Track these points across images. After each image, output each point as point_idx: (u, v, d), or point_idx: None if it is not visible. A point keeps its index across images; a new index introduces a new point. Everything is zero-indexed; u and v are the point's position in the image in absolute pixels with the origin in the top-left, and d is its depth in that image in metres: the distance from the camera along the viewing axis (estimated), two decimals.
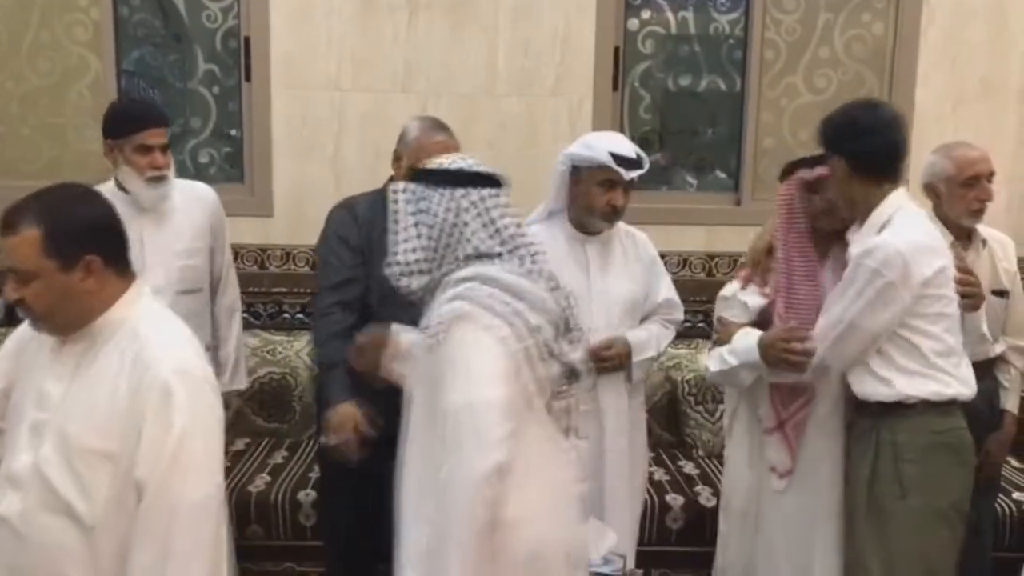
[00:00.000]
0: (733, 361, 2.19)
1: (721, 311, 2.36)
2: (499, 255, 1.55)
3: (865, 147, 2.02)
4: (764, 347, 2.11)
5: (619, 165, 2.24)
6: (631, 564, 2.38)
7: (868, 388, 2.03)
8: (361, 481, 2.35)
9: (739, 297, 2.31)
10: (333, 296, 2.32)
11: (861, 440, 2.07)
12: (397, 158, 2.38)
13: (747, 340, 2.17)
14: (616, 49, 3.46)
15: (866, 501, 2.03)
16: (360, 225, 2.33)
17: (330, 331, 2.29)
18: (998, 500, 2.79)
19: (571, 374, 1.58)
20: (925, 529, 1.98)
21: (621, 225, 2.44)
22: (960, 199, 2.50)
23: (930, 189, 2.56)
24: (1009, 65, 3.53)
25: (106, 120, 2.35)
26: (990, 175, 2.52)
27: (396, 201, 1.60)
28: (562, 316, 1.57)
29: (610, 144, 2.29)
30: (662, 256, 2.57)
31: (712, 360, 2.29)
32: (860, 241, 2.03)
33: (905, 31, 3.51)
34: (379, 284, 2.21)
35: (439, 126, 2.34)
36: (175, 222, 2.42)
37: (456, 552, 1.36)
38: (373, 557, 2.43)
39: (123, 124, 2.30)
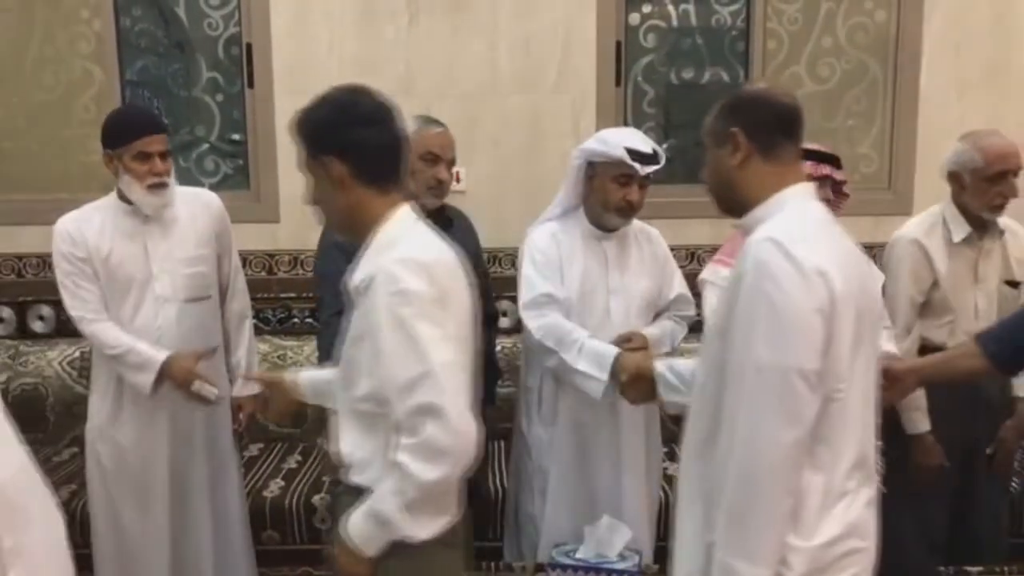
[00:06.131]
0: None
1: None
2: None
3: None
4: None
5: (634, 160, 2.24)
6: (649, 559, 2.38)
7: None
8: None
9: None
10: (335, 305, 2.31)
11: None
12: None
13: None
14: (618, 44, 3.46)
15: None
16: None
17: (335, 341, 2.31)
18: (1013, 484, 2.78)
19: None
20: None
21: (636, 222, 2.44)
22: (983, 193, 2.44)
23: (954, 177, 2.50)
24: (1014, 49, 3.50)
25: (104, 130, 2.33)
26: (1018, 170, 2.45)
27: None
28: None
29: (625, 139, 2.29)
30: (670, 250, 2.56)
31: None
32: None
33: (908, 18, 3.49)
34: None
35: (433, 120, 2.42)
36: (179, 230, 2.41)
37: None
38: None
39: (121, 132, 2.28)
